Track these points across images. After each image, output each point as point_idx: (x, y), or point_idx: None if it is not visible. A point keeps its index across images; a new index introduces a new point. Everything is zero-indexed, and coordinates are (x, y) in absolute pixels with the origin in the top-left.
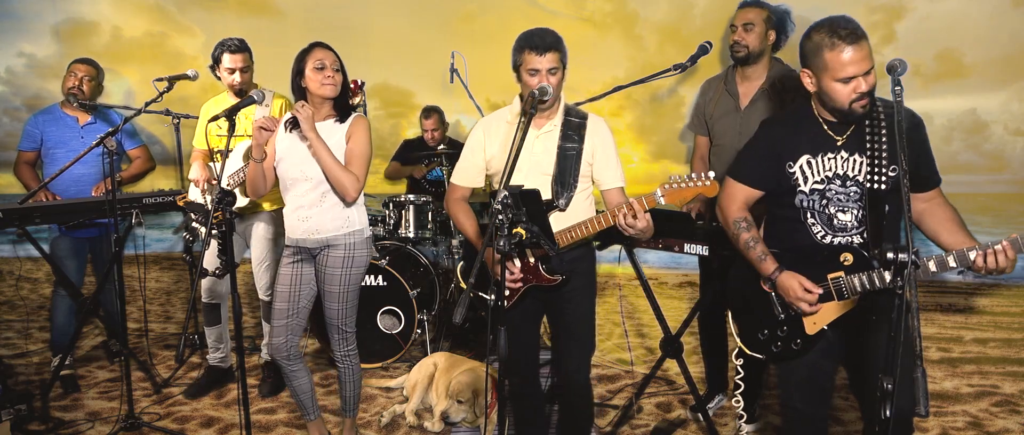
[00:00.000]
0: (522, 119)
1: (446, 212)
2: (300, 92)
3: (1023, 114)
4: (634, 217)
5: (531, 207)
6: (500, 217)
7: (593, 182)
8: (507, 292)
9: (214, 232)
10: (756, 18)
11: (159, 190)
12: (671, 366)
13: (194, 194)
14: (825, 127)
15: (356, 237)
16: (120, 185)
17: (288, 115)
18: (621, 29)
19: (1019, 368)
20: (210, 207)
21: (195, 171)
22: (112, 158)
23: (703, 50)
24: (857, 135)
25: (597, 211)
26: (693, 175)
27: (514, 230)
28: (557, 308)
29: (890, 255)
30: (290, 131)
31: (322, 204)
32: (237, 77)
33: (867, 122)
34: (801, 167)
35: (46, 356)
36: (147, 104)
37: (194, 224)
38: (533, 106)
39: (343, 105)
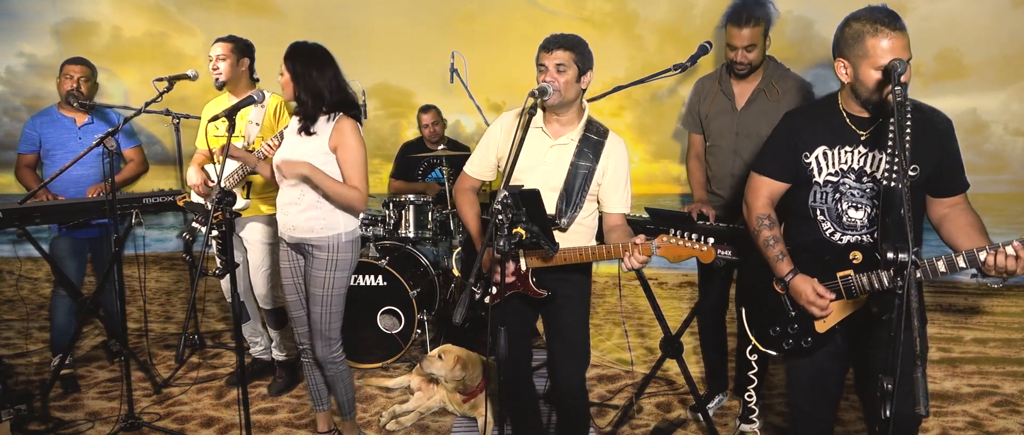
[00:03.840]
0: (522, 118)
1: (445, 211)
2: None
3: (1023, 114)
4: (639, 262)
5: (531, 207)
6: (500, 217)
7: (598, 202)
8: (493, 290)
9: (214, 233)
10: (756, 37)
11: (159, 190)
12: (671, 366)
13: (195, 195)
14: (848, 121)
15: (338, 240)
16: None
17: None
18: (621, 29)
19: (1019, 368)
20: (210, 207)
21: (192, 176)
22: (112, 158)
23: (703, 50)
24: (881, 132)
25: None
26: (694, 237)
27: (514, 230)
28: (551, 314)
29: (890, 255)
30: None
31: (300, 203)
32: (220, 65)
33: (893, 119)
34: (817, 157)
35: (46, 356)
36: (147, 104)
37: (194, 224)
38: (533, 106)
39: (307, 110)
